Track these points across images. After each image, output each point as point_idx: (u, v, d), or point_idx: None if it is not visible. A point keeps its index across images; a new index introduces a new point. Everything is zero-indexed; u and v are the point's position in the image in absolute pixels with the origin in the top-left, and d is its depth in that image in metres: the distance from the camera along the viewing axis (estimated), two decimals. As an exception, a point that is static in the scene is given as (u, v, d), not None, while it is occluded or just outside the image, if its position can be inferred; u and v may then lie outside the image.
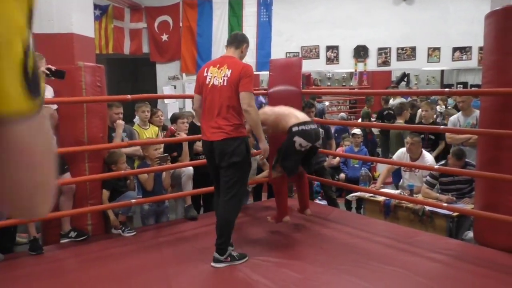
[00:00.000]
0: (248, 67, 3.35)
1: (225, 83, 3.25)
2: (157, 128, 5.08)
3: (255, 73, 10.30)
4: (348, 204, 5.85)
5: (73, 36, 4.03)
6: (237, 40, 3.49)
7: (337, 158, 6.79)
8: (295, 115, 3.87)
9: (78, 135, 3.96)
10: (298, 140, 3.68)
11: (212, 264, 3.27)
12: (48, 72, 3.46)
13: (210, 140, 3.31)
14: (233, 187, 3.27)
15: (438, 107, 8.97)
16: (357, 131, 7.09)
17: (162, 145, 4.71)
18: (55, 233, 3.94)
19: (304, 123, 3.79)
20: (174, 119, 4.94)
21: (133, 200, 4.10)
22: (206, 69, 3.42)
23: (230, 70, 3.26)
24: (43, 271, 3.35)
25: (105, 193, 4.12)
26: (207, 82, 3.35)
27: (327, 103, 14.22)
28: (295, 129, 3.71)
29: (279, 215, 3.99)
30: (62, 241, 3.91)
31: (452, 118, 5.42)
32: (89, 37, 4.33)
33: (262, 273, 3.16)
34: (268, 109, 4.18)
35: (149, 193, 4.35)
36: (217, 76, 3.30)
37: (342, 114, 12.14)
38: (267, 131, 4.00)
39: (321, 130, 5.43)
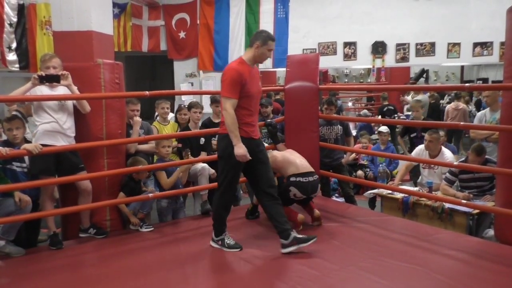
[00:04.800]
0: (227, 70, 3.42)
1: None
2: (176, 125, 5.12)
3: (272, 69, 10.33)
4: (371, 203, 5.73)
5: (92, 33, 4.07)
6: (251, 40, 3.52)
7: (353, 155, 6.75)
8: (296, 164, 4.07)
9: (96, 131, 4.01)
10: (293, 190, 3.97)
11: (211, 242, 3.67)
12: (39, 79, 3.52)
13: None
14: (219, 180, 3.63)
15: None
16: (383, 129, 7.02)
17: (174, 144, 4.73)
18: (74, 227, 4.00)
19: (304, 174, 4.01)
20: (189, 107, 5.13)
21: (151, 194, 4.13)
22: None
23: None
24: (62, 266, 3.40)
25: (122, 196, 4.14)
26: None
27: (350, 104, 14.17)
28: (292, 179, 3.97)
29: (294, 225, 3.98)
30: (82, 235, 3.97)
31: (479, 114, 5.35)
32: (108, 34, 4.37)
33: (278, 269, 3.16)
34: (276, 152, 4.35)
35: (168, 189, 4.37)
36: None
37: (365, 111, 12.08)
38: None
39: (339, 127, 5.44)
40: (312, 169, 4.16)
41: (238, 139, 3.35)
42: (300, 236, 3.41)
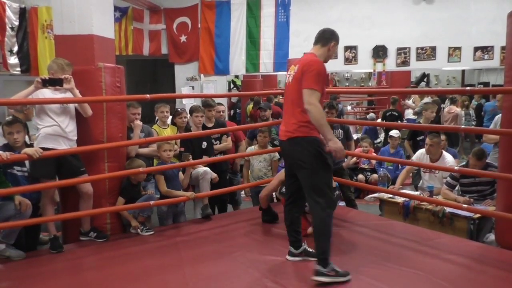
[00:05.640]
0: (314, 61, 3.07)
1: (292, 80, 3.15)
2: (176, 128, 5.12)
3: (273, 73, 10.35)
4: (382, 206, 5.60)
5: (93, 37, 4.08)
6: (324, 38, 3.24)
7: (354, 159, 6.75)
8: None
9: (97, 135, 4.01)
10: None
11: (313, 277, 2.96)
12: (42, 82, 3.52)
13: (281, 140, 3.26)
14: (311, 193, 3.05)
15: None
16: (394, 133, 7.02)
17: (175, 148, 4.72)
18: (75, 231, 4.00)
19: None
20: (190, 112, 5.08)
21: (152, 202, 4.12)
22: (288, 69, 3.33)
23: (297, 66, 3.12)
24: (63, 269, 3.40)
25: (121, 200, 4.14)
26: (286, 82, 3.30)
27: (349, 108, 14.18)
28: None
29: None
30: (82, 238, 3.96)
31: (496, 117, 5.33)
32: (109, 38, 4.37)
33: (278, 273, 3.15)
34: None
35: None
36: (291, 74, 3.20)
37: (372, 114, 12.09)
38: None
39: (340, 131, 5.44)
40: (335, 184, 3.90)
41: (331, 133, 3.01)
42: (311, 250, 3.36)
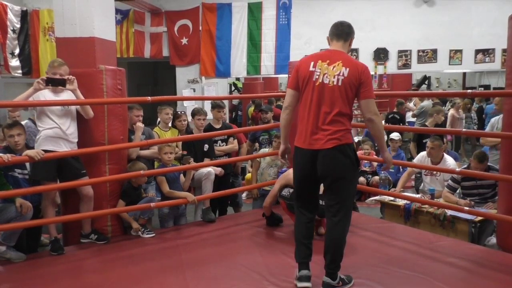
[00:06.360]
0: (367, 69, 2.88)
1: (339, 83, 2.80)
2: (177, 131, 5.12)
3: (274, 76, 10.36)
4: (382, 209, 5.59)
5: (95, 40, 4.08)
6: (344, 33, 2.99)
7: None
8: None
9: (98, 137, 4.01)
10: None
11: None
12: (45, 81, 3.53)
13: (312, 149, 2.86)
14: (343, 203, 2.86)
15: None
16: (395, 136, 7.03)
17: (176, 151, 4.71)
18: (76, 233, 4.00)
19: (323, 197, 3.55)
20: (192, 114, 5.07)
21: (152, 204, 4.12)
22: (312, 63, 2.90)
23: (348, 69, 2.80)
24: (63, 272, 3.39)
25: (121, 203, 4.13)
26: (314, 79, 2.87)
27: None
28: None
29: None
30: (83, 241, 3.96)
31: (492, 120, 5.33)
32: (110, 41, 4.38)
33: (278, 275, 3.14)
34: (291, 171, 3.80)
35: (168, 197, 4.36)
36: (328, 74, 2.83)
37: None
38: None
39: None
40: None
41: (385, 144, 3.05)
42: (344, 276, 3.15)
